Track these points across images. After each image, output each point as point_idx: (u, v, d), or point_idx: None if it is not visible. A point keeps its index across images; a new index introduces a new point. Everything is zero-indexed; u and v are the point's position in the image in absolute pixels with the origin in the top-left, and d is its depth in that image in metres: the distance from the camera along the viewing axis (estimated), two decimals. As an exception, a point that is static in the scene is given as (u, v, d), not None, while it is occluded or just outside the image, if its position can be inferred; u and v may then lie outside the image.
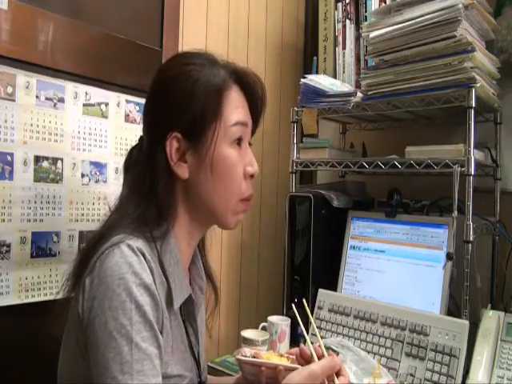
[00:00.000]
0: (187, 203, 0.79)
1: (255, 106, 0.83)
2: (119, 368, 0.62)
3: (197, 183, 0.77)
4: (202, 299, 0.90)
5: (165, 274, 0.73)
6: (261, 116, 0.86)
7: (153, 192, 0.75)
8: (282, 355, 0.85)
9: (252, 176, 0.81)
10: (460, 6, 1.09)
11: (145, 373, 0.64)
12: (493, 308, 1.20)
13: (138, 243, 0.70)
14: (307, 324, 1.31)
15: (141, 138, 0.82)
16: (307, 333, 1.28)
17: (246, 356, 0.82)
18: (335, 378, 0.73)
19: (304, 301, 0.90)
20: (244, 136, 0.80)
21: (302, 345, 0.81)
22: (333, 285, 1.37)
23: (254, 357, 0.82)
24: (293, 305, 0.89)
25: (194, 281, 0.87)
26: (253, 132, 0.85)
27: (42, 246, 1.04)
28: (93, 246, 0.72)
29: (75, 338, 0.70)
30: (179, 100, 0.75)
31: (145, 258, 0.69)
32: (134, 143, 0.84)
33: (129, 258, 0.67)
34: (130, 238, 0.70)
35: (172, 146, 0.75)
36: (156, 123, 0.78)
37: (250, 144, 0.83)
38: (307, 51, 1.88)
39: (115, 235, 0.71)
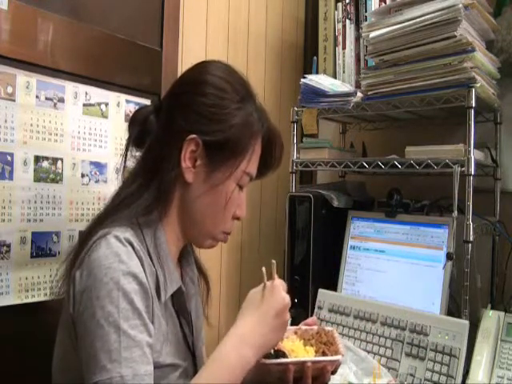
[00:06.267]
0: (181, 206, 0.80)
1: (267, 165, 0.87)
2: (107, 356, 0.62)
3: (196, 192, 0.79)
4: (195, 291, 0.91)
5: (154, 265, 0.74)
6: (266, 176, 0.90)
7: (156, 178, 0.76)
8: (303, 338, 0.85)
9: (238, 219, 0.84)
10: (460, 6, 1.09)
11: (134, 359, 0.63)
12: (493, 308, 1.20)
13: (126, 234, 0.71)
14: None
15: (159, 107, 0.82)
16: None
17: (268, 358, 0.77)
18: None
19: (273, 261, 0.83)
20: (245, 185, 0.84)
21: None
22: (333, 285, 1.37)
23: (276, 351, 0.79)
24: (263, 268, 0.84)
25: (185, 273, 0.88)
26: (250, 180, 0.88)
27: (41, 246, 1.04)
28: (82, 241, 0.74)
29: (67, 332, 0.71)
30: (218, 114, 0.77)
31: (133, 248, 0.70)
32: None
33: (116, 249, 0.68)
34: (116, 230, 0.71)
35: (189, 146, 0.76)
36: (185, 117, 0.78)
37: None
38: (307, 51, 1.88)
39: (104, 227, 0.72)
